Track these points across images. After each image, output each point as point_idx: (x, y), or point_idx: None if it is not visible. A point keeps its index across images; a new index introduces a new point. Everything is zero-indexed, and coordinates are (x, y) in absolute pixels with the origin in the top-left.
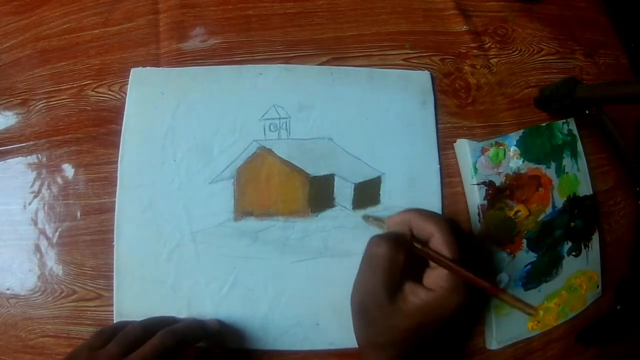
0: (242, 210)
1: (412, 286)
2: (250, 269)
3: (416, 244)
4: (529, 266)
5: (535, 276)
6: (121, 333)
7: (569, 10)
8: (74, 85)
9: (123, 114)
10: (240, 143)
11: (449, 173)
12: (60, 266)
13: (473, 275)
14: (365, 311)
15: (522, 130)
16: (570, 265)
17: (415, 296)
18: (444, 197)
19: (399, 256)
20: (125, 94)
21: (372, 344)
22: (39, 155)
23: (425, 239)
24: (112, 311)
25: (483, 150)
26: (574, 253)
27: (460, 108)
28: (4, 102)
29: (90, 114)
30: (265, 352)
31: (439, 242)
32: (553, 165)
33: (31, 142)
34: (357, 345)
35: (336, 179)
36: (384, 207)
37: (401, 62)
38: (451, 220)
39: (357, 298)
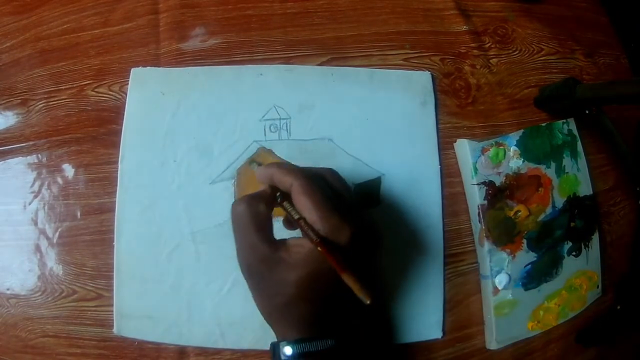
0: None
1: (295, 239)
2: None
3: (281, 201)
4: (529, 266)
5: (535, 276)
6: None
7: (569, 10)
8: (74, 85)
9: (123, 114)
10: (241, 143)
11: (449, 173)
12: (60, 266)
13: (320, 242)
14: (249, 268)
15: (522, 130)
16: (570, 265)
17: (299, 247)
18: (444, 197)
19: (260, 208)
20: (125, 94)
21: (271, 307)
22: (39, 155)
23: (287, 192)
24: (112, 311)
25: (483, 150)
26: (574, 253)
27: (460, 108)
28: (4, 102)
29: (90, 114)
30: (265, 352)
31: (295, 194)
32: (553, 165)
33: (31, 142)
34: None
35: None
36: (384, 208)
37: (401, 62)
38: (316, 174)
39: (240, 258)
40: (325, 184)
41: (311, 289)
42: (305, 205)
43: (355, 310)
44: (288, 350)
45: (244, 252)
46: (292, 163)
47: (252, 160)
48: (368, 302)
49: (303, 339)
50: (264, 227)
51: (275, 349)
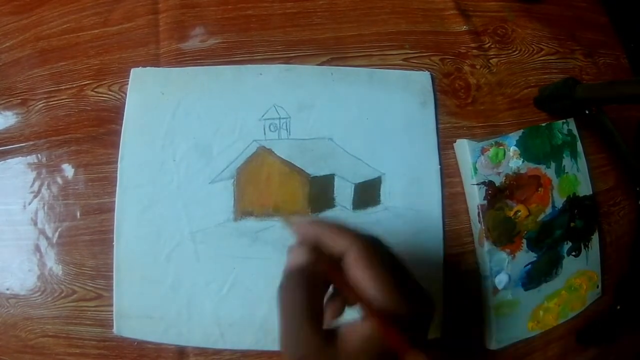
0: (242, 210)
1: (347, 326)
2: (250, 269)
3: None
4: (529, 266)
5: (535, 276)
6: None
7: (569, 10)
8: (74, 85)
9: (123, 114)
10: (240, 143)
11: (449, 173)
12: (60, 266)
13: (384, 323)
14: (296, 344)
15: (522, 130)
16: (570, 265)
17: (352, 332)
18: (444, 197)
19: (316, 294)
20: (125, 94)
21: None
22: (39, 155)
23: (338, 257)
24: (112, 311)
25: (483, 150)
26: (574, 253)
27: (460, 108)
28: (4, 102)
29: (90, 114)
30: (265, 352)
31: (352, 262)
32: (553, 165)
33: (31, 142)
34: None
35: (336, 179)
36: (384, 208)
37: (401, 62)
38: (374, 238)
39: (289, 349)
40: (383, 251)
41: None
42: (362, 276)
43: None
44: None
45: (296, 343)
46: (346, 224)
47: (286, 220)
48: None
49: None
50: (318, 317)
51: None
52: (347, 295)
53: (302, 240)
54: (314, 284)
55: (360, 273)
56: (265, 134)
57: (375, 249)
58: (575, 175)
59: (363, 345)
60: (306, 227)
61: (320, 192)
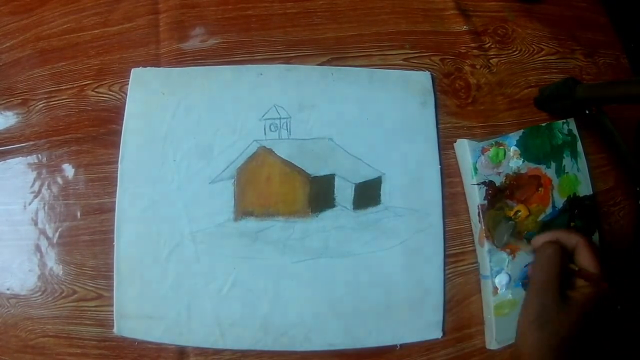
0: (242, 211)
1: (576, 293)
2: (250, 269)
3: (570, 265)
4: (529, 266)
5: None
6: None
7: (569, 10)
8: (74, 85)
9: (123, 114)
10: (241, 143)
11: (449, 173)
12: (61, 266)
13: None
14: (542, 310)
15: (522, 130)
16: None
17: (578, 293)
18: (444, 197)
19: (563, 262)
20: (126, 94)
21: (550, 345)
22: (39, 155)
23: (571, 250)
24: (112, 311)
25: (483, 150)
26: None
27: (460, 108)
28: (4, 102)
29: (90, 114)
30: (265, 352)
31: (583, 247)
32: (553, 165)
33: (31, 142)
34: (356, 346)
35: (336, 179)
36: (384, 207)
37: (401, 62)
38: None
39: (536, 297)
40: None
41: (579, 327)
42: (589, 258)
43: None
44: None
45: (540, 308)
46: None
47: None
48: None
49: None
50: (558, 288)
51: None
52: (577, 273)
53: (545, 239)
54: (558, 264)
55: (588, 258)
56: (265, 134)
57: (592, 242)
58: (576, 175)
59: (587, 304)
60: (549, 233)
61: (320, 192)
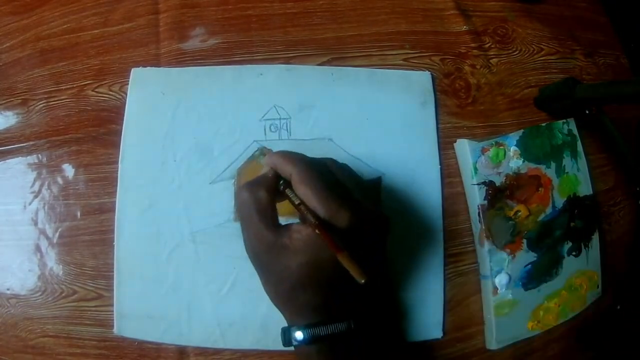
0: None
1: (297, 225)
2: (250, 269)
3: (283, 188)
4: (529, 266)
5: (535, 276)
6: None
7: (569, 10)
8: (74, 85)
9: (123, 114)
10: (241, 143)
11: (449, 173)
12: (61, 266)
13: (318, 224)
14: (256, 256)
15: (522, 130)
16: (570, 265)
17: (298, 232)
18: (444, 197)
19: (261, 194)
20: (126, 94)
21: (278, 293)
22: (39, 155)
23: (288, 180)
24: (113, 311)
25: (483, 150)
26: (574, 253)
27: (460, 108)
28: (4, 102)
29: (90, 114)
30: (265, 352)
31: (295, 181)
32: (553, 165)
33: (31, 142)
34: None
35: None
36: (384, 208)
37: (401, 62)
38: (316, 161)
39: (246, 246)
40: (326, 171)
41: (314, 274)
42: (304, 192)
43: (364, 296)
44: (299, 335)
45: (250, 239)
46: (295, 151)
47: (261, 152)
48: (362, 281)
49: (313, 324)
50: (267, 214)
51: (285, 333)
52: (297, 209)
53: (266, 167)
54: (259, 187)
55: (302, 190)
56: (265, 134)
57: (315, 169)
58: (576, 175)
59: (306, 242)
60: (270, 156)
61: None
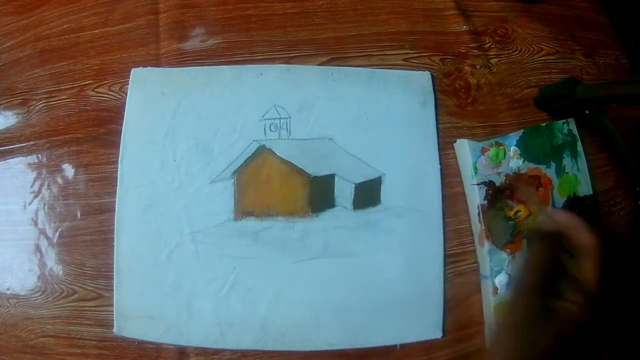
0: (243, 210)
1: (561, 302)
2: (250, 269)
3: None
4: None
5: None
6: None
7: (569, 10)
8: (74, 85)
9: (123, 114)
10: (241, 143)
11: (449, 173)
12: (61, 266)
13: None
14: (526, 314)
15: (522, 130)
16: None
17: (564, 309)
18: (444, 197)
19: (553, 258)
20: (126, 94)
21: (528, 351)
22: (39, 155)
23: (577, 248)
24: (112, 311)
25: (483, 150)
26: None
27: (460, 108)
28: (4, 102)
29: (91, 114)
30: (266, 352)
31: (589, 262)
32: (553, 165)
33: (31, 142)
34: (356, 346)
35: (337, 179)
36: (384, 207)
37: (401, 62)
38: (609, 242)
39: (517, 295)
40: (617, 258)
41: (559, 342)
42: (592, 269)
43: None
44: None
45: (517, 307)
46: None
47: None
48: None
49: None
50: (545, 277)
51: None
52: (572, 282)
53: (554, 221)
54: (549, 262)
55: (591, 269)
56: (265, 134)
57: (611, 255)
58: (576, 175)
59: (571, 322)
60: (562, 215)
61: (320, 192)
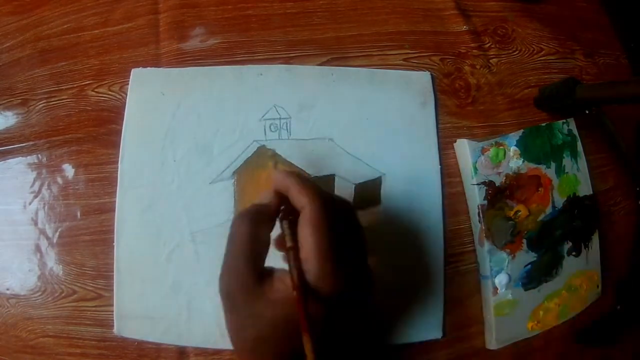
0: None
1: (283, 274)
2: None
3: (281, 218)
4: (529, 266)
5: (535, 276)
6: None
7: (569, 10)
8: (74, 85)
9: (123, 114)
10: (241, 143)
11: (449, 173)
12: (60, 266)
13: (299, 294)
14: (229, 294)
15: (522, 130)
16: (570, 265)
17: (281, 283)
18: (444, 197)
19: (262, 232)
20: (126, 94)
21: (240, 338)
22: (39, 155)
23: (295, 211)
24: (112, 311)
25: (483, 150)
26: (574, 253)
27: (460, 108)
28: (4, 102)
29: (91, 114)
30: None
31: (305, 220)
32: (553, 165)
33: (31, 142)
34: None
35: (337, 179)
36: (384, 208)
37: (401, 62)
38: (338, 204)
39: (222, 280)
40: (342, 220)
41: (283, 332)
42: (307, 238)
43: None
44: None
45: (228, 274)
46: (316, 183)
47: (274, 157)
48: None
49: None
50: (258, 256)
51: None
52: (287, 251)
53: (274, 186)
54: (260, 222)
55: (305, 235)
56: (265, 134)
57: (330, 216)
58: (576, 175)
59: (285, 299)
60: (282, 175)
61: None
